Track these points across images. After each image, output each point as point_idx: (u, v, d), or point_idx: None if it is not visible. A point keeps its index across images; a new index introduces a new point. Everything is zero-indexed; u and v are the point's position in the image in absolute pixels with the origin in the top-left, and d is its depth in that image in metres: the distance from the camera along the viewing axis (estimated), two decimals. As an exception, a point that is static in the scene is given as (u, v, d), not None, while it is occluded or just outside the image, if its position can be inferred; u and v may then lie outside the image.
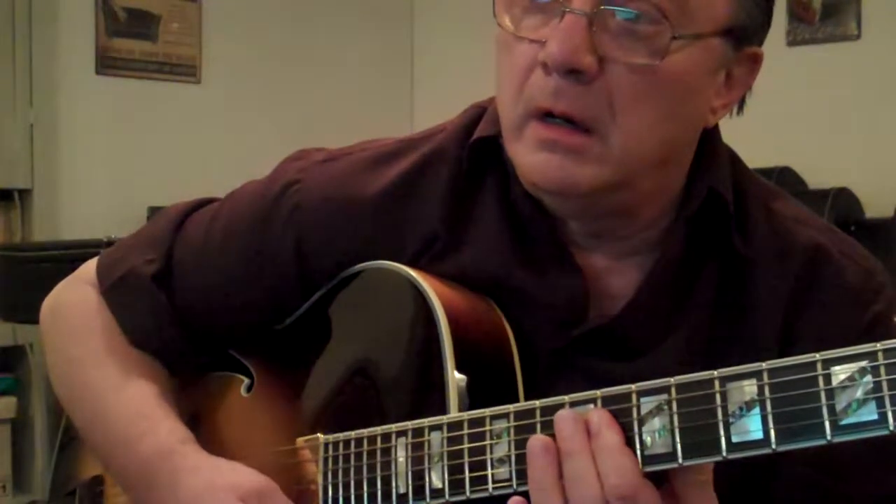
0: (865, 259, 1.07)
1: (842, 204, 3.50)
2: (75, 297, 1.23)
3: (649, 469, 0.83)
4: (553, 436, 0.86)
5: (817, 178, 3.68)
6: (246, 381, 1.20)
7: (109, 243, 1.28)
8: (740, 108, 1.05)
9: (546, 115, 0.96)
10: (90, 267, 1.24)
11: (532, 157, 0.97)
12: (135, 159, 3.99)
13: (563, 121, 0.95)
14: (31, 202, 3.77)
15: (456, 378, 0.98)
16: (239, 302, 1.16)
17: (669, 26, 0.93)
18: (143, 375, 1.16)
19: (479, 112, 1.10)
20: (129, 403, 1.14)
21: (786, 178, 3.61)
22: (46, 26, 3.80)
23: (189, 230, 1.19)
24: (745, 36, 0.99)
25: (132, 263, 1.18)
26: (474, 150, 1.07)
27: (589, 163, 0.95)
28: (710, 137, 1.04)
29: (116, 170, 3.96)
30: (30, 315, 1.30)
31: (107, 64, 3.97)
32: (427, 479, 0.95)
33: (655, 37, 0.93)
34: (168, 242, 1.19)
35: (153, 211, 3.56)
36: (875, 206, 3.57)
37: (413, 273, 1.04)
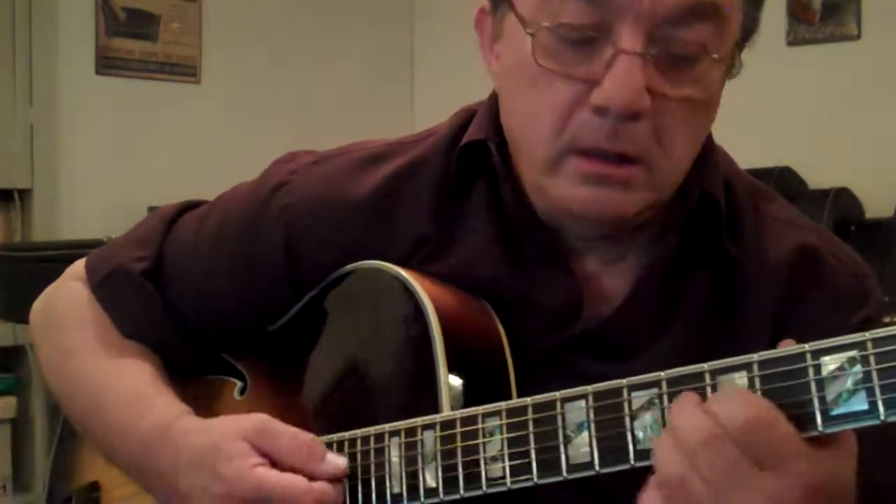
0: (856, 262, 1.07)
1: (842, 204, 3.49)
2: (66, 293, 1.23)
3: (642, 465, 0.83)
4: None
5: (817, 178, 3.68)
6: (238, 384, 1.20)
7: (109, 243, 1.29)
8: None
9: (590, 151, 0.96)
10: (79, 265, 1.24)
11: (575, 191, 0.97)
12: (135, 159, 3.99)
13: (613, 155, 0.95)
14: (31, 202, 3.77)
15: (448, 379, 0.98)
16: (229, 303, 1.16)
17: (713, 59, 0.94)
18: (136, 359, 1.16)
19: (469, 115, 1.10)
20: (124, 387, 1.14)
21: (786, 178, 3.61)
22: (46, 26, 3.80)
23: (179, 231, 1.19)
24: (747, 41, 1.01)
25: (122, 260, 1.19)
26: (463, 154, 1.07)
27: (636, 191, 0.97)
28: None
29: (116, 170, 3.96)
30: (30, 315, 1.30)
31: (107, 64, 3.97)
32: (421, 479, 0.95)
33: (700, 68, 0.94)
34: (158, 243, 1.19)
35: (153, 211, 3.56)
36: (875, 206, 3.57)
37: (404, 273, 1.04)
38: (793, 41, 3.91)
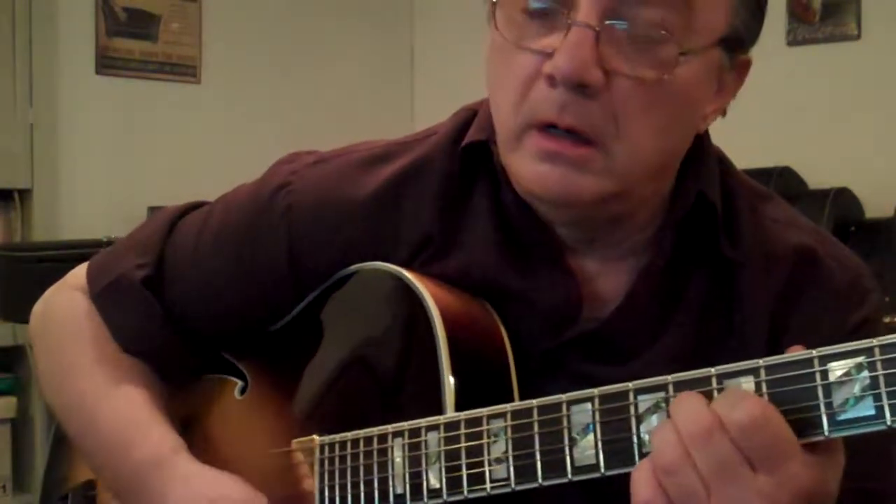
0: (854, 262, 1.07)
1: (842, 204, 3.49)
2: (65, 303, 1.23)
3: None
4: None
5: (817, 178, 3.68)
6: (240, 383, 1.20)
7: (109, 243, 1.29)
8: (724, 113, 1.05)
9: (548, 127, 0.95)
10: (79, 272, 1.23)
11: (532, 168, 0.97)
12: (135, 159, 3.99)
13: (566, 132, 0.95)
14: (31, 202, 3.77)
15: (452, 380, 0.98)
16: (231, 305, 1.16)
17: (676, 40, 0.93)
18: (133, 382, 1.16)
19: (470, 115, 1.10)
20: (119, 411, 1.14)
21: (786, 178, 3.61)
22: (46, 26, 3.80)
23: (180, 233, 1.19)
24: (740, 44, 1.00)
25: (123, 268, 1.18)
26: (465, 155, 1.07)
27: (591, 174, 0.96)
28: (699, 141, 1.05)
29: (116, 170, 3.96)
30: (30, 315, 1.30)
31: (107, 64, 3.97)
32: (424, 479, 0.95)
33: (662, 50, 0.93)
34: (159, 246, 1.18)
35: (153, 211, 3.56)
36: (875, 206, 3.57)
37: (407, 274, 1.04)
38: (793, 41, 3.91)
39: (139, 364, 1.18)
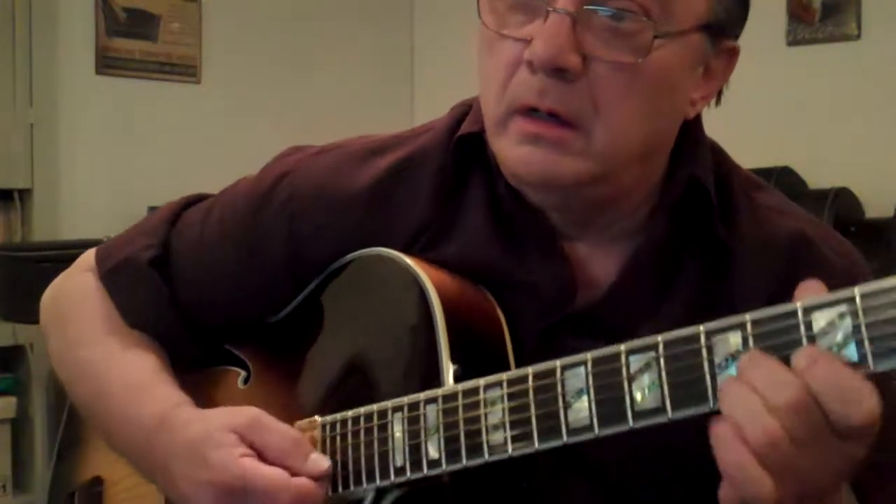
0: (848, 248, 1.09)
1: (842, 204, 3.50)
2: (75, 283, 1.26)
3: (640, 424, 0.84)
4: None
5: (817, 178, 3.68)
6: (242, 373, 1.21)
7: (109, 244, 1.30)
8: (718, 100, 1.07)
9: (530, 111, 0.98)
10: (88, 256, 1.26)
11: (515, 151, 0.99)
12: (135, 159, 3.99)
13: (547, 115, 0.97)
14: (31, 202, 3.77)
15: (450, 362, 0.99)
16: (233, 294, 1.18)
17: (652, 24, 0.95)
18: (140, 349, 1.18)
19: (465, 109, 1.13)
20: (126, 377, 1.16)
21: (786, 178, 3.61)
22: (46, 26, 3.80)
23: (185, 224, 1.22)
24: (722, 30, 1.01)
25: (130, 250, 1.21)
26: (459, 146, 1.09)
27: (572, 156, 0.98)
28: (691, 128, 1.06)
29: (116, 170, 3.96)
30: (30, 315, 1.31)
31: (107, 64, 3.97)
32: (424, 451, 0.96)
33: (638, 35, 0.95)
34: (165, 234, 1.21)
35: (153, 211, 3.56)
36: (875, 206, 3.57)
37: (406, 259, 1.06)
38: (793, 41, 3.91)
39: (147, 336, 1.20)
